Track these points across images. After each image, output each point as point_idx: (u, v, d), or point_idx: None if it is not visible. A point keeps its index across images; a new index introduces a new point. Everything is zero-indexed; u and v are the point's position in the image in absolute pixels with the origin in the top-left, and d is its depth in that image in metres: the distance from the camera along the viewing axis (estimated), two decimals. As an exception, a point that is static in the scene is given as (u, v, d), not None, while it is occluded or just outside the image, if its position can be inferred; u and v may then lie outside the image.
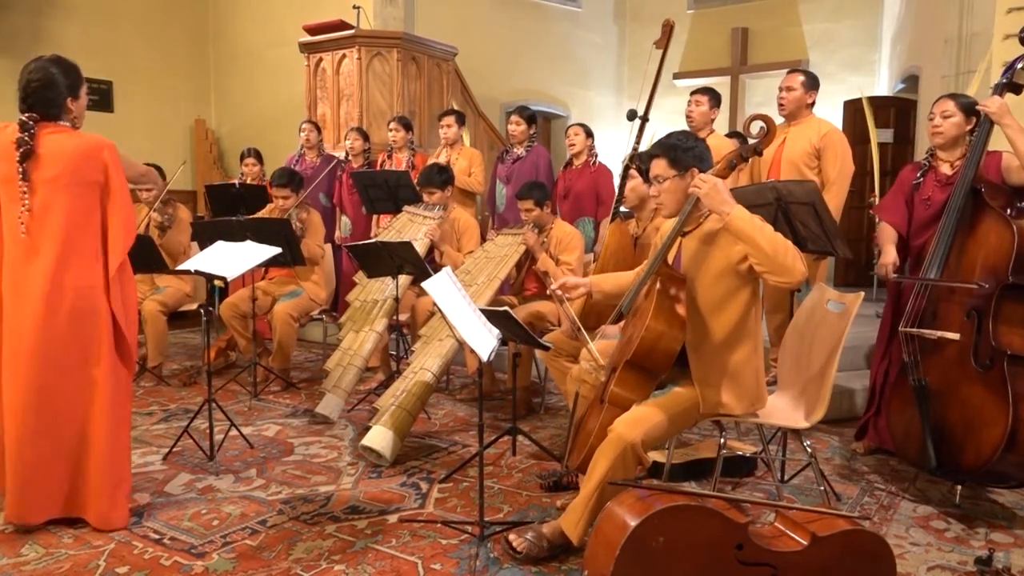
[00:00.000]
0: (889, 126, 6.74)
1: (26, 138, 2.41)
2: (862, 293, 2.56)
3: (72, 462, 2.56)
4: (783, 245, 2.13)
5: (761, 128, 2.33)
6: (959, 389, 2.73)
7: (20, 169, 2.40)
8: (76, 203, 2.47)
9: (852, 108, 6.98)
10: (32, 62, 2.48)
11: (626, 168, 3.49)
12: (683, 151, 2.35)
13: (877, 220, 3.35)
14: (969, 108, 3.01)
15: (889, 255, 3.11)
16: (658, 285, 2.32)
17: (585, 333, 2.79)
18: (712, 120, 4.29)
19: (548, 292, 3.30)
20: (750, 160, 2.41)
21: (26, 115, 2.45)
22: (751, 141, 2.36)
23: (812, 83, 3.81)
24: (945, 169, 3.08)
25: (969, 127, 3.01)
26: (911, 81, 6.51)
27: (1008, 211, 2.78)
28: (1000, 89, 2.88)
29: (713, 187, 2.19)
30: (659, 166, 2.40)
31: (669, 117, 8.74)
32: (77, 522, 2.64)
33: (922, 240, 3.09)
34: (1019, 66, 2.89)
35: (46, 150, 2.43)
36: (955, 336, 2.74)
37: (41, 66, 2.45)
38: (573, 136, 4.84)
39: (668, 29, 3.85)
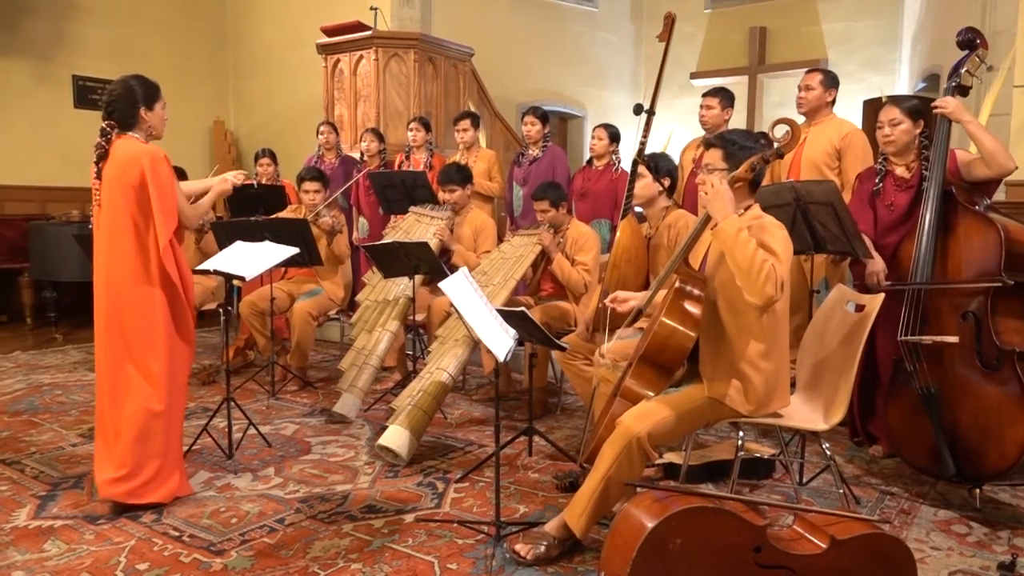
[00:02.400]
0: (909, 126, 6.66)
1: (102, 143, 2.74)
2: (882, 295, 2.54)
3: (126, 446, 2.71)
4: (759, 267, 2.12)
5: (786, 132, 2.32)
6: (969, 392, 2.70)
7: (95, 169, 2.75)
8: (121, 201, 2.71)
9: (872, 108, 6.90)
10: (117, 79, 2.80)
11: (635, 163, 3.44)
12: (740, 148, 2.37)
13: None
14: (915, 112, 3.03)
15: (877, 262, 3.06)
16: (676, 283, 2.35)
17: (605, 330, 2.77)
18: (726, 121, 4.26)
19: (599, 304, 3.22)
20: (772, 162, 2.41)
21: (106, 123, 2.76)
22: (775, 145, 2.34)
23: (831, 81, 3.79)
24: (901, 172, 3.09)
25: (918, 130, 3.03)
26: (932, 80, 6.44)
27: (976, 207, 2.79)
28: (951, 91, 2.92)
29: (716, 192, 2.22)
30: (713, 155, 2.42)
31: (686, 118, 8.70)
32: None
33: (888, 241, 3.08)
34: (963, 69, 2.92)
35: (114, 155, 2.74)
36: (953, 339, 2.72)
37: (122, 80, 2.77)
38: (597, 139, 4.81)
39: (669, 21, 3.82)
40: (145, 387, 2.72)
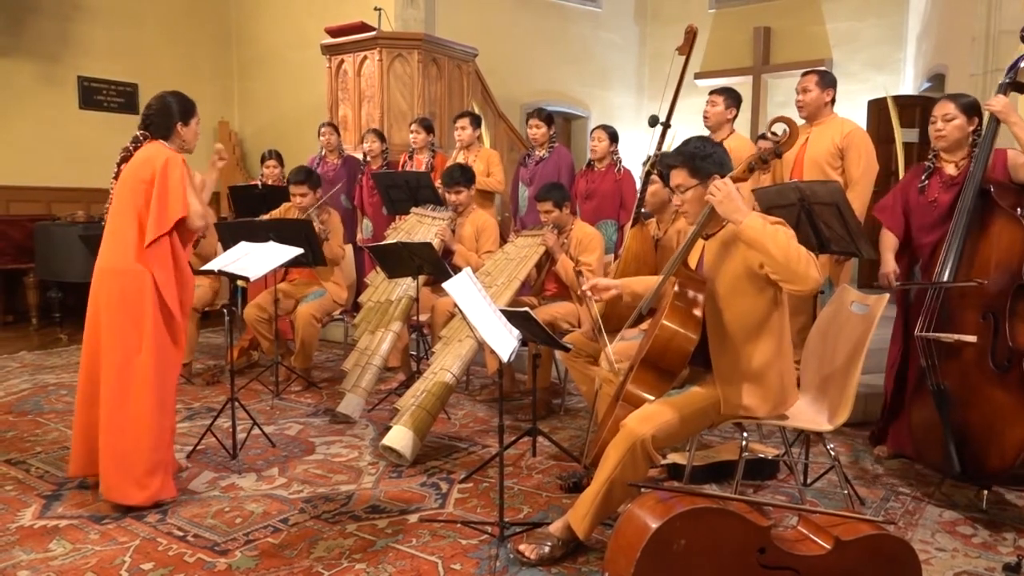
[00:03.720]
0: (914, 126, 6.64)
1: (129, 147, 2.89)
2: (886, 295, 2.54)
3: (108, 436, 2.72)
4: (796, 252, 2.10)
5: (784, 131, 2.31)
6: (979, 392, 2.69)
7: (116, 169, 2.87)
8: (129, 195, 2.79)
9: (876, 107, 6.89)
10: (156, 95, 2.96)
11: (647, 173, 3.48)
12: (702, 159, 2.34)
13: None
14: (970, 108, 2.99)
15: (888, 263, 3.08)
16: (675, 287, 2.34)
17: (605, 335, 2.79)
18: (729, 120, 4.26)
19: (578, 292, 3.31)
20: (771, 162, 2.40)
21: (140, 132, 2.90)
22: (772, 143, 2.34)
23: (827, 81, 3.78)
24: (950, 170, 3.06)
25: (972, 127, 2.99)
26: (937, 80, 6.42)
27: (1018, 210, 2.75)
28: (1004, 88, 2.87)
29: (727, 195, 2.19)
30: (680, 176, 2.39)
31: (690, 117, 8.67)
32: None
33: (929, 239, 3.06)
34: (1022, 64, 2.87)
35: (136, 156, 2.85)
36: (972, 339, 2.71)
37: (161, 95, 2.93)
38: (597, 141, 4.82)
39: (691, 35, 3.82)
40: (127, 383, 2.71)
